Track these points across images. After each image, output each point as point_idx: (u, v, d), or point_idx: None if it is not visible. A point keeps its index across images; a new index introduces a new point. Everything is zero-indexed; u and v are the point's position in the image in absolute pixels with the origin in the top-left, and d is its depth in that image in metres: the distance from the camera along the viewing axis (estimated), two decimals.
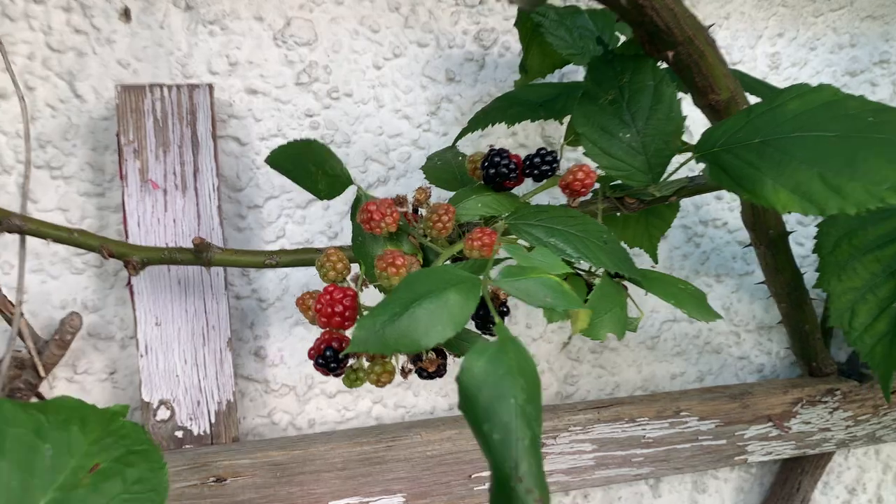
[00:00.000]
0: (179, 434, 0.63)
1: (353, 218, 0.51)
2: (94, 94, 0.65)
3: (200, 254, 0.53)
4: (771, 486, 0.87)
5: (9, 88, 0.63)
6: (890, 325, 0.57)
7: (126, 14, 0.65)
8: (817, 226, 0.61)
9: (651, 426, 0.72)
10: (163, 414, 0.63)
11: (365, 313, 0.42)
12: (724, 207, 0.83)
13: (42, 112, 0.64)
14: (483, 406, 0.34)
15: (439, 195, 0.63)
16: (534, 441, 0.34)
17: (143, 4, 0.65)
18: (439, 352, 0.47)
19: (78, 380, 0.67)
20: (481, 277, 0.39)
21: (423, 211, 0.50)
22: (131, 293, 0.62)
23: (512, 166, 0.47)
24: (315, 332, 0.72)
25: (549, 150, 0.48)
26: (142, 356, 0.63)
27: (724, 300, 0.85)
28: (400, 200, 0.47)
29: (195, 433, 0.64)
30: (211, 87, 0.63)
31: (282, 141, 0.70)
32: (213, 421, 0.64)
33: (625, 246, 0.66)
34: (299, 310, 0.46)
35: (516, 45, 0.75)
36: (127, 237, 0.61)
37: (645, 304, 0.81)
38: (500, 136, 0.75)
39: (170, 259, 0.54)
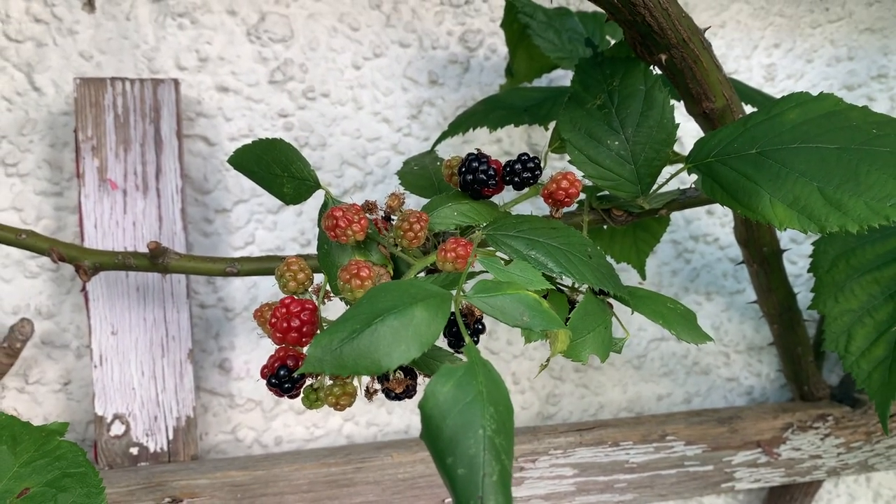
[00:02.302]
0: (134, 451, 0.59)
1: (319, 224, 0.48)
2: (53, 88, 0.61)
3: (156, 259, 0.50)
4: None
5: None
6: (889, 350, 0.54)
7: (90, 3, 0.61)
8: (813, 244, 0.58)
9: (635, 450, 0.68)
10: (117, 429, 0.59)
11: (325, 327, 0.39)
12: (716, 223, 0.80)
13: None
14: (447, 437, 0.31)
15: (417, 203, 0.60)
16: (503, 476, 0.31)
17: None
18: (408, 371, 0.43)
19: (29, 390, 0.63)
20: (453, 292, 0.36)
21: (394, 218, 0.46)
22: (86, 299, 0.58)
23: (491, 172, 0.44)
24: None
25: (531, 156, 0.45)
26: (96, 367, 0.59)
27: (714, 319, 0.82)
28: (369, 206, 0.44)
29: (151, 450, 0.60)
30: (177, 82, 0.59)
31: None
32: (170, 437, 0.60)
33: (611, 261, 0.63)
34: (257, 323, 0.43)
35: (503, 48, 0.72)
36: (83, 240, 0.58)
37: (632, 322, 0.78)
38: (483, 142, 0.72)
39: (123, 265, 0.50)
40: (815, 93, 0.46)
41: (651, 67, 0.49)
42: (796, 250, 0.82)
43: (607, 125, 0.48)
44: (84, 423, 0.64)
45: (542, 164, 0.46)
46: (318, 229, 0.69)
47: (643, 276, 0.64)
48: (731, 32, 0.78)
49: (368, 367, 0.33)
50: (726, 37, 0.78)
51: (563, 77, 0.73)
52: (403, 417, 0.73)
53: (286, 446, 0.70)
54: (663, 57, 0.47)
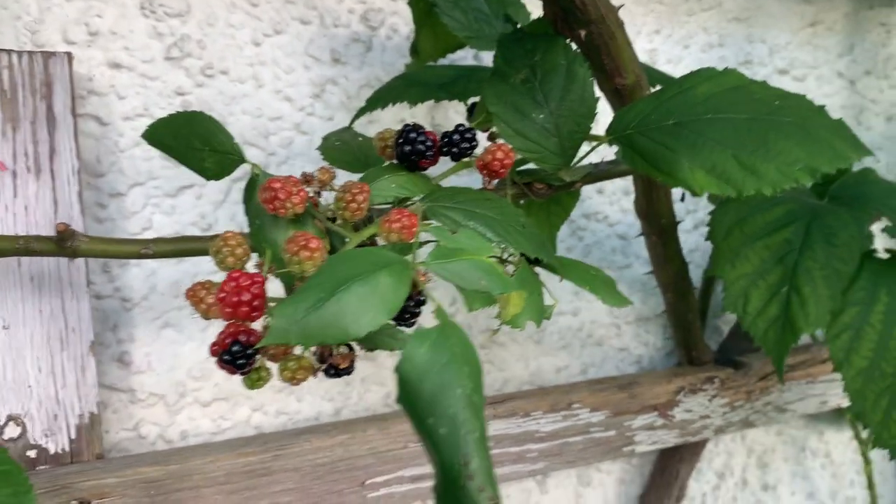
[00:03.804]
0: (32, 454, 0.55)
1: (246, 200, 0.46)
2: None
3: (64, 243, 0.46)
4: (650, 476, 0.89)
5: None
6: (780, 310, 0.58)
7: None
8: (710, 213, 0.62)
9: (545, 420, 0.71)
10: (11, 431, 0.55)
11: (271, 305, 0.38)
12: (605, 201, 0.84)
13: None
14: (427, 398, 0.31)
15: (343, 178, 0.59)
16: (482, 434, 0.31)
17: None
18: (348, 346, 0.43)
19: None
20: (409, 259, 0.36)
21: (324, 193, 0.45)
22: None
23: (429, 143, 0.44)
24: (187, 335, 0.66)
25: (467, 126, 0.45)
26: None
27: None
28: (307, 179, 0.43)
29: (52, 451, 0.56)
30: (70, 55, 0.55)
31: (149, 122, 0.62)
32: (73, 437, 0.56)
33: None
34: (190, 302, 0.41)
35: (404, 28, 0.72)
36: None
37: None
38: (387, 122, 0.71)
39: (26, 250, 0.47)
40: None
41: (569, 43, 0.51)
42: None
43: (532, 99, 0.49)
44: None
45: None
46: (218, 213, 0.67)
47: (554, 249, 0.66)
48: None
49: (336, 336, 0.32)
50: None
51: (463, 58, 0.74)
52: (314, 405, 0.71)
53: (192, 440, 0.67)
54: (582, 32, 0.49)
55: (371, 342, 0.43)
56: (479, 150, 0.48)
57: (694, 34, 0.86)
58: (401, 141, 0.44)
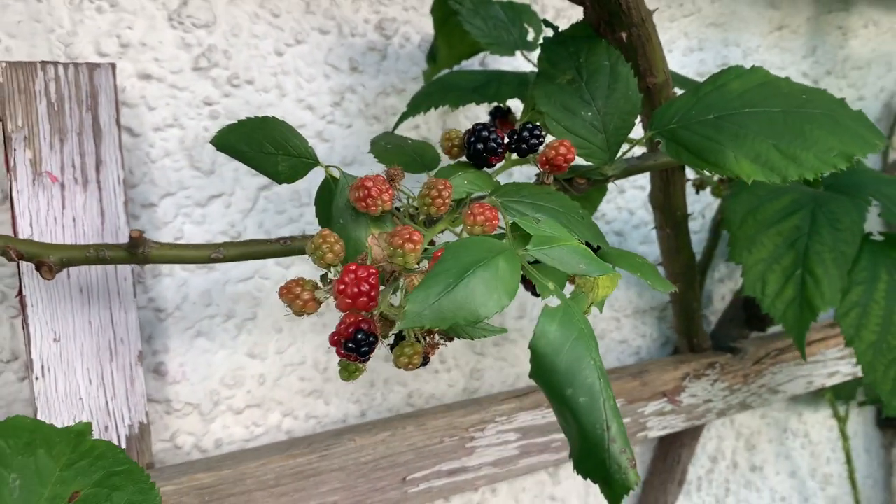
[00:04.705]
0: None
1: (320, 201, 0.48)
2: None
3: (136, 249, 0.47)
4: (652, 462, 0.92)
5: None
6: (796, 291, 0.63)
7: None
8: (722, 202, 0.66)
9: None
10: None
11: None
12: (604, 199, 0.87)
13: None
14: (563, 370, 0.33)
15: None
16: (615, 403, 0.34)
17: None
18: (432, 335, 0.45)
19: None
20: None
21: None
22: (22, 306, 0.53)
23: (500, 141, 0.46)
24: (219, 343, 0.66)
25: (535, 123, 0.47)
26: (37, 379, 0.53)
27: None
28: (392, 176, 0.44)
29: None
30: (114, 66, 0.55)
31: (178, 132, 0.63)
32: (124, 447, 0.56)
33: None
34: (285, 300, 0.42)
35: (416, 37, 0.74)
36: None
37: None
38: (403, 128, 0.73)
39: (97, 258, 0.47)
40: None
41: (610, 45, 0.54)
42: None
43: (580, 98, 0.52)
44: None
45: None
46: (247, 221, 0.67)
47: None
48: None
49: (467, 317, 0.34)
50: None
51: (472, 64, 0.76)
52: (340, 407, 0.73)
53: (226, 448, 0.67)
54: (624, 35, 0.52)
55: (453, 331, 0.44)
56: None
57: (676, 39, 0.91)
58: (472, 139, 0.46)
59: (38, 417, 0.54)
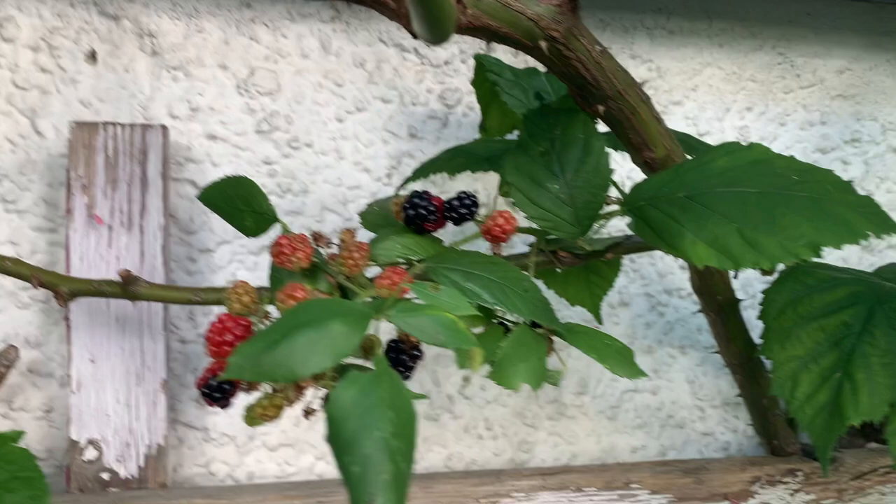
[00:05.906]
0: (105, 476, 0.62)
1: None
2: (53, 132, 0.66)
3: (127, 287, 0.53)
4: None
5: None
6: (831, 396, 0.55)
7: (93, 56, 0.67)
8: (763, 292, 0.60)
9: (599, 497, 0.69)
10: (90, 454, 0.62)
11: None
12: (688, 277, 0.82)
13: (1, 146, 0.65)
14: (346, 438, 0.33)
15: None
16: (396, 476, 0.33)
17: (111, 48, 0.67)
18: None
19: (13, 416, 0.66)
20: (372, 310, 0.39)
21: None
22: (68, 328, 0.62)
23: (432, 208, 0.47)
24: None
25: (468, 193, 0.48)
26: (73, 393, 0.62)
27: (689, 373, 0.83)
28: (316, 236, 0.47)
29: (122, 476, 0.62)
30: (165, 128, 0.64)
31: None
32: (141, 465, 0.63)
33: (563, 302, 0.65)
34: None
35: (479, 106, 0.76)
36: (68, 271, 0.61)
37: (605, 372, 0.79)
38: (443, 190, 0.75)
39: (97, 291, 0.54)
40: (787, 154, 0.49)
41: (593, 118, 0.52)
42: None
43: (548, 170, 0.51)
44: (63, 449, 0.66)
45: (492, 205, 0.49)
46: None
47: (599, 320, 0.66)
48: (704, 95, 0.82)
49: (284, 375, 0.36)
50: (699, 99, 0.82)
51: None
52: None
53: (258, 482, 0.71)
54: (601, 108, 0.50)
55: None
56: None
57: (791, 111, 0.84)
58: (407, 206, 0.47)
59: (71, 428, 0.62)
